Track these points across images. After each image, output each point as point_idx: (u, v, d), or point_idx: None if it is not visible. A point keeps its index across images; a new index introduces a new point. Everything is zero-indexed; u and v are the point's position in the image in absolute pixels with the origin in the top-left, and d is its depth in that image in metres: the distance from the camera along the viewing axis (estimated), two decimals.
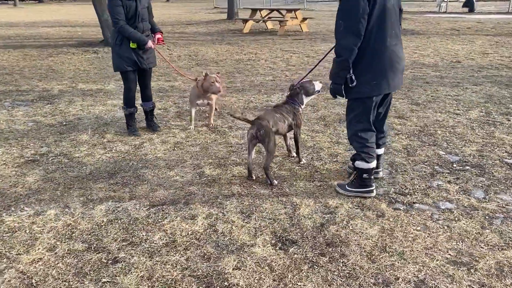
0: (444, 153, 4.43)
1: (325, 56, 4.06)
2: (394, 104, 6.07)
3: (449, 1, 22.78)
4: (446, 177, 3.91)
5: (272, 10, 16.77)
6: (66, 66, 9.72)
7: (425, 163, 4.21)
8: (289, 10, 15.31)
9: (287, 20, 14.76)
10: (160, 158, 4.51)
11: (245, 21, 15.77)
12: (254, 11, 16.31)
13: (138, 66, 4.95)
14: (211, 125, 5.45)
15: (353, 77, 3.25)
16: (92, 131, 5.40)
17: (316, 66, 4.28)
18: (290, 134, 4.35)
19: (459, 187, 3.72)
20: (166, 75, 8.57)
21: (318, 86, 4.18)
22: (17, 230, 3.23)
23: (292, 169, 4.17)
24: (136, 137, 5.14)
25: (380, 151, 3.73)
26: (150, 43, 4.88)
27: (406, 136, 4.92)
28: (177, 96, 7.01)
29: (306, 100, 4.20)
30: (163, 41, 5.22)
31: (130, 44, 4.81)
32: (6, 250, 2.99)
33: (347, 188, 3.61)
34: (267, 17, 16.38)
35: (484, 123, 5.27)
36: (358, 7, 3.02)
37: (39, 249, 2.99)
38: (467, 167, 4.10)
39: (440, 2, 22.33)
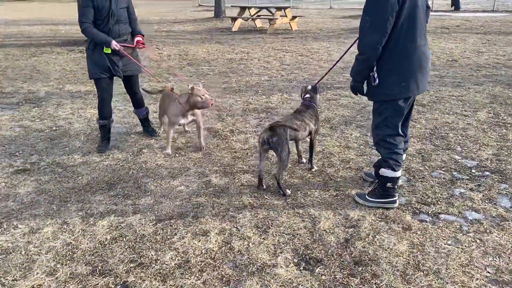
0: (460, 158, 4.24)
1: (342, 56, 3.82)
2: None
3: None
4: (467, 184, 3.71)
5: (261, 8, 16.49)
6: (52, 67, 9.29)
7: (442, 169, 4.01)
8: (279, 8, 15.06)
9: (277, 18, 14.50)
10: (161, 166, 4.22)
11: (233, 19, 15.46)
12: (243, 9, 16.01)
13: (112, 73, 4.52)
14: (203, 148, 4.57)
15: (376, 76, 3.04)
16: (85, 136, 5.07)
17: (334, 66, 4.02)
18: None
19: (483, 195, 3.52)
20: (157, 76, 8.23)
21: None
22: (11, 251, 2.92)
23: (304, 177, 3.93)
24: (102, 153, 4.56)
25: (403, 157, 3.52)
26: (114, 44, 4.29)
27: (418, 139, 4.72)
28: None
29: None
30: (143, 44, 4.64)
31: (104, 49, 4.35)
32: (1, 275, 2.68)
33: (368, 198, 3.38)
34: (256, 15, 16.09)
35: (495, 125, 5.10)
36: (388, 3, 2.80)
37: (37, 273, 2.70)
38: (487, 173, 3.92)
39: None
